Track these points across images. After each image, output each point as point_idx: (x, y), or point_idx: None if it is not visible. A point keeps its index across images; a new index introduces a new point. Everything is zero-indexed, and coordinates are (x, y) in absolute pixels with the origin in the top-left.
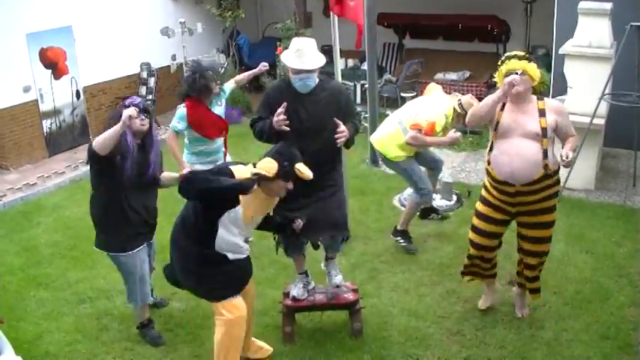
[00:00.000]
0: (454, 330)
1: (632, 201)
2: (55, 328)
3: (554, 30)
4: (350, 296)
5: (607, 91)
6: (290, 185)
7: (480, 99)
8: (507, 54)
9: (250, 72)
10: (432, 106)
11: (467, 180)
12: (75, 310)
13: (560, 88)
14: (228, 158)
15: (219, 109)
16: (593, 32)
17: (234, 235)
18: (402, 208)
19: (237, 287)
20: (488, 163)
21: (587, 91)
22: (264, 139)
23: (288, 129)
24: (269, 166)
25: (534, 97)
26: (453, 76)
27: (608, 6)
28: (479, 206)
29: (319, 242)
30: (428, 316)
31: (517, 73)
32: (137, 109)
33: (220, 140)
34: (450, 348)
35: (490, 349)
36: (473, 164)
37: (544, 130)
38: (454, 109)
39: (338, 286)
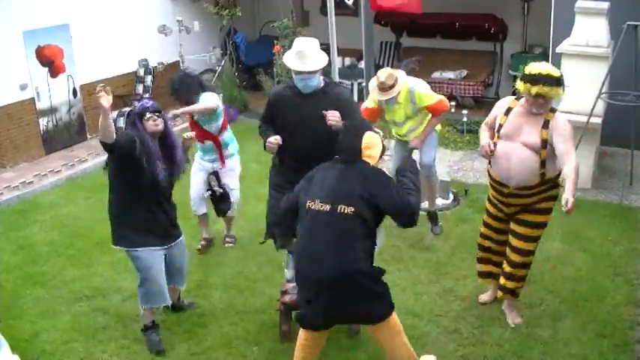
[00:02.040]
0: (451, 328)
1: (629, 200)
2: (51, 327)
3: (551, 29)
4: None
5: (604, 90)
6: None
7: (476, 98)
8: (540, 70)
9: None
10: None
11: (464, 178)
12: (71, 308)
13: None
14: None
15: (208, 127)
16: (591, 31)
17: None
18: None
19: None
20: (489, 162)
21: (584, 90)
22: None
23: (273, 152)
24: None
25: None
26: (450, 74)
27: (606, 5)
28: (486, 204)
29: None
30: (425, 315)
31: (545, 98)
32: (149, 112)
33: (208, 143)
34: (447, 346)
35: (487, 347)
36: (470, 163)
37: (544, 142)
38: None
39: None
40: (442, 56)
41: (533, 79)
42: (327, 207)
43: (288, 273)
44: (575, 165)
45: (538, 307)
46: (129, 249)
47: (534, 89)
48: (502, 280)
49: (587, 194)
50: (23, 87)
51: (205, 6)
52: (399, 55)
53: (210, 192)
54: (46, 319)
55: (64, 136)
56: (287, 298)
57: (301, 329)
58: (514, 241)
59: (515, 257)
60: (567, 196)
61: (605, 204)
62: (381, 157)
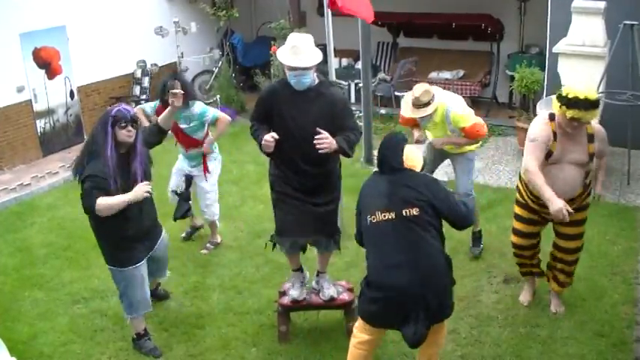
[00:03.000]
0: (449, 328)
1: (626, 199)
2: (49, 329)
3: (548, 29)
4: (345, 296)
5: (601, 90)
6: None
7: (473, 98)
8: (577, 94)
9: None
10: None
11: None
12: (69, 310)
13: (554, 86)
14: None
15: (185, 126)
16: (587, 31)
17: None
18: None
19: None
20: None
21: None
22: (255, 141)
23: (270, 151)
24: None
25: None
26: (447, 74)
27: (602, 5)
28: (517, 210)
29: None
30: None
31: (579, 121)
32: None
33: (192, 151)
34: (445, 347)
35: (485, 347)
36: None
37: (591, 155)
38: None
39: (333, 299)
40: (439, 56)
41: (571, 104)
42: (392, 215)
43: (295, 293)
44: (605, 158)
45: (536, 306)
46: (112, 267)
47: (570, 113)
48: (562, 278)
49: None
50: (20, 89)
51: (202, 7)
52: (395, 56)
53: (174, 192)
54: (44, 321)
55: (61, 137)
56: (285, 300)
57: (364, 327)
58: (564, 243)
59: (567, 257)
60: (599, 186)
61: (602, 203)
62: (422, 169)
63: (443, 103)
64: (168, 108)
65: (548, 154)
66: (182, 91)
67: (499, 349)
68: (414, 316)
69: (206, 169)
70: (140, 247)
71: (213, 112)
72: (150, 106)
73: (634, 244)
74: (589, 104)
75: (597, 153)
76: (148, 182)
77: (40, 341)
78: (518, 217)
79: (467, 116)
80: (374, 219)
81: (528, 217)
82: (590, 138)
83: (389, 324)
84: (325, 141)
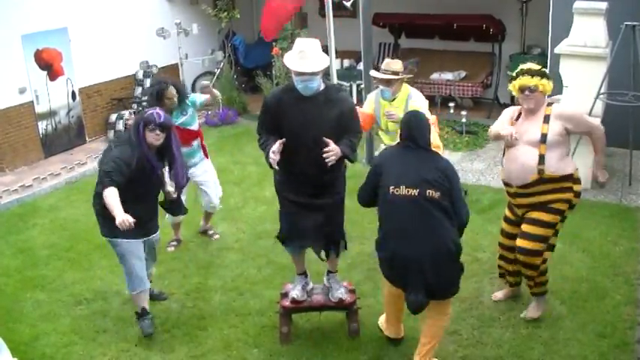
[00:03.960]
0: (451, 329)
1: (628, 200)
2: (51, 330)
3: (549, 29)
4: (347, 297)
5: (602, 91)
6: None
7: (475, 99)
8: (521, 67)
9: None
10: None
11: (463, 179)
12: (71, 311)
13: (556, 87)
14: (208, 162)
15: (183, 118)
16: (589, 32)
17: None
18: None
19: None
20: (502, 165)
21: (582, 91)
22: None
23: (275, 165)
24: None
25: (545, 103)
26: (448, 75)
27: (604, 5)
28: (505, 210)
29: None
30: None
31: (528, 89)
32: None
33: (190, 147)
34: (447, 347)
35: (487, 348)
36: (469, 164)
37: (543, 136)
38: (374, 77)
39: (342, 300)
40: (440, 57)
41: (515, 76)
42: (416, 192)
43: (295, 293)
44: (597, 135)
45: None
46: (110, 238)
47: (517, 83)
48: (529, 283)
49: (587, 194)
50: (22, 90)
51: (204, 8)
52: (397, 57)
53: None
54: (46, 323)
55: (63, 139)
56: (286, 301)
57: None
58: (519, 241)
59: (520, 257)
60: (596, 171)
61: (604, 204)
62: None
63: (406, 88)
64: None
65: None
66: (177, 95)
67: (501, 350)
68: (414, 285)
69: (206, 153)
70: (137, 226)
71: (199, 97)
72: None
73: (636, 245)
74: (533, 72)
75: (571, 132)
76: (131, 222)
77: (42, 342)
78: (503, 217)
79: (423, 108)
80: (397, 191)
81: (506, 214)
82: (546, 118)
83: (395, 283)
84: (332, 153)
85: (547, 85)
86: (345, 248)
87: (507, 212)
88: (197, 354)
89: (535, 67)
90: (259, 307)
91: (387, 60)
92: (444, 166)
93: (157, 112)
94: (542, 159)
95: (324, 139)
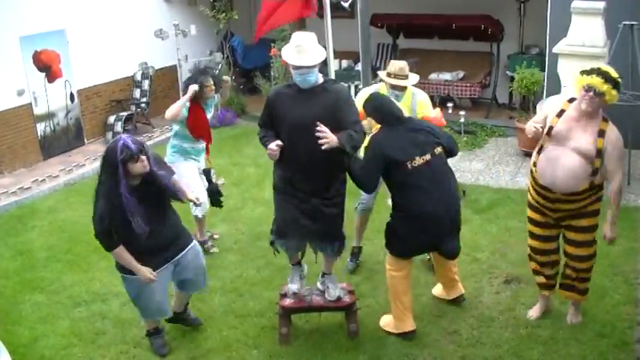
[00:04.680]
0: (450, 329)
1: (627, 199)
2: (50, 332)
3: (547, 29)
4: (347, 298)
5: None
6: None
7: (473, 99)
8: (601, 66)
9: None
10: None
11: (462, 179)
12: (70, 313)
13: (554, 87)
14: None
15: (210, 114)
16: (587, 31)
17: None
18: None
19: None
20: (534, 165)
21: None
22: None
23: (275, 159)
24: None
25: (600, 115)
26: (447, 76)
27: (601, 5)
28: (528, 212)
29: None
30: (424, 316)
31: (594, 91)
32: (133, 155)
33: (203, 143)
34: (446, 347)
35: (486, 348)
36: (467, 164)
37: (599, 151)
38: (381, 80)
39: (340, 299)
40: (439, 57)
41: (588, 72)
42: (429, 156)
43: (294, 287)
44: (618, 186)
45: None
46: (124, 274)
47: (586, 79)
48: (578, 285)
49: None
50: (20, 92)
51: (202, 9)
52: (395, 57)
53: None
54: (45, 325)
55: (61, 141)
56: (286, 302)
57: (399, 261)
58: (573, 250)
59: (578, 264)
60: (607, 228)
61: (603, 203)
62: None
63: (409, 88)
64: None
65: (550, 130)
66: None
67: (500, 350)
68: (449, 235)
69: (208, 153)
70: (150, 258)
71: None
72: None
73: (635, 245)
74: (607, 76)
75: (610, 164)
76: (153, 273)
77: (41, 344)
78: (529, 219)
79: (430, 106)
80: (415, 163)
81: (535, 218)
82: (601, 133)
83: (425, 248)
84: (325, 134)
85: (614, 96)
86: (340, 252)
87: (536, 215)
88: (197, 355)
89: (614, 72)
90: (259, 308)
91: (394, 62)
92: (423, 124)
93: (127, 139)
94: (595, 172)
95: (319, 123)
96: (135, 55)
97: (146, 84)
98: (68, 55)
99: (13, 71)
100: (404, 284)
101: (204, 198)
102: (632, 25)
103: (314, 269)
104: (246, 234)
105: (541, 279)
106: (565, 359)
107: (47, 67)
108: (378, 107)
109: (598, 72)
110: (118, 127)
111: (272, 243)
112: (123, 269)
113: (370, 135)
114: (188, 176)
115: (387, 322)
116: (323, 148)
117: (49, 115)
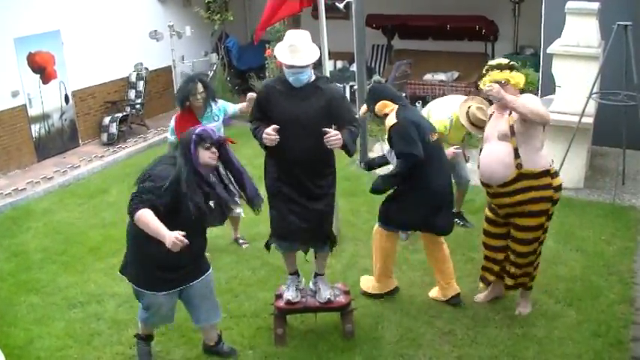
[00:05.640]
0: (446, 330)
1: (622, 199)
2: (45, 334)
3: (542, 30)
4: (342, 299)
5: (595, 90)
6: None
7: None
8: (490, 63)
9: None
10: (444, 106)
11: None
12: (66, 315)
13: (549, 87)
14: None
15: (215, 124)
16: (581, 32)
17: None
18: None
19: None
20: (478, 167)
21: (575, 91)
22: (257, 140)
23: (275, 143)
24: None
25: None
26: (441, 76)
27: (596, 6)
28: (485, 210)
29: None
30: (419, 316)
31: (500, 83)
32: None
33: None
34: (442, 348)
35: (482, 348)
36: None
37: (511, 127)
38: (457, 118)
39: (330, 301)
40: (434, 58)
41: (485, 72)
42: (435, 134)
43: (290, 295)
44: (534, 105)
45: (532, 306)
46: (135, 287)
47: (486, 79)
48: (509, 282)
49: (580, 194)
50: (15, 94)
51: (197, 10)
52: (390, 58)
53: None
54: (41, 326)
55: (56, 142)
56: (281, 302)
57: (394, 233)
58: (512, 244)
59: (515, 259)
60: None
61: (598, 203)
62: None
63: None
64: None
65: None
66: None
67: (495, 350)
68: (448, 208)
69: None
70: (163, 276)
71: (231, 107)
72: (170, 130)
73: (629, 244)
74: (502, 66)
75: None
76: (184, 240)
77: (36, 346)
78: (485, 218)
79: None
80: (431, 137)
81: (490, 216)
82: (511, 112)
83: (423, 222)
84: (334, 137)
85: (518, 78)
86: (331, 250)
87: (489, 213)
88: (192, 356)
89: (504, 61)
90: (254, 308)
91: (477, 116)
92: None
93: (212, 129)
94: (517, 153)
95: (324, 129)
96: (129, 57)
97: (141, 85)
98: (63, 56)
99: (7, 73)
100: (394, 250)
101: None
102: (626, 25)
103: (308, 268)
104: (241, 235)
105: (484, 273)
106: (560, 359)
107: (42, 68)
108: (385, 89)
109: (492, 67)
110: (113, 128)
111: (267, 246)
112: (138, 283)
113: (390, 118)
114: None
115: (368, 285)
116: (331, 146)
117: (44, 117)
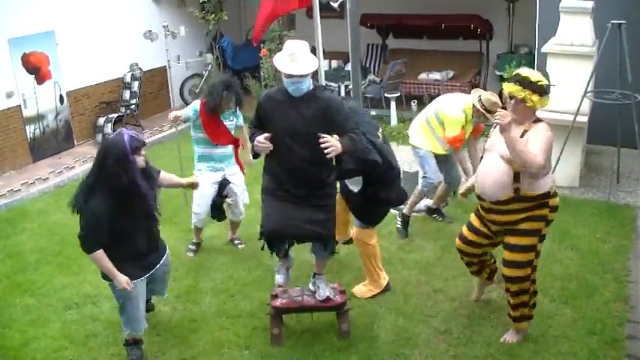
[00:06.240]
0: (441, 329)
1: (616, 197)
2: (41, 335)
3: (536, 29)
4: (337, 298)
5: (589, 89)
6: None
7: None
8: (519, 71)
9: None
10: (454, 101)
11: None
12: (61, 316)
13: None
14: (240, 176)
15: (229, 123)
16: (575, 30)
17: None
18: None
19: None
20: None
21: (569, 89)
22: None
23: (267, 152)
24: None
25: (533, 119)
26: (436, 75)
27: (590, 4)
28: (471, 215)
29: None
30: (415, 316)
31: (516, 99)
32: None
33: (226, 149)
34: (438, 347)
35: (477, 347)
36: (457, 163)
37: None
38: (473, 105)
39: (329, 299)
40: (428, 57)
41: (509, 79)
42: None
43: (280, 278)
44: (532, 157)
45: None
46: (110, 282)
47: (506, 87)
48: (511, 312)
49: (575, 192)
50: (9, 95)
51: (191, 10)
52: (385, 57)
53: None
54: (36, 328)
55: (51, 143)
56: (277, 302)
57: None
58: (505, 270)
59: (510, 286)
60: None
61: (592, 202)
62: None
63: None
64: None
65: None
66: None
67: (491, 349)
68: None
69: (242, 167)
70: (131, 267)
71: (241, 118)
72: (192, 110)
73: (624, 242)
74: (526, 82)
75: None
76: (129, 282)
77: (32, 347)
78: (467, 223)
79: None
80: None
81: (476, 224)
82: (523, 134)
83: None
84: (329, 143)
85: (537, 101)
86: (333, 252)
87: (475, 221)
88: (188, 356)
89: (534, 77)
90: (250, 308)
91: (491, 100)
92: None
93: (137, 133)
94: (517, 177)
95: (320, 134)
96: (124, 57)
97: (136, 85)
98: (57, 56)
99: (1, 73)
100: (378, 248)
101: (199, 210)
102: (621, 24)
103: (308, 268)
104: (237, 235)
105: (474, 268)
106: (556, 357)
107: (36, 69)
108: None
109: (516, 79)
110: (108, 128)
111: (263, 248)
112: (106, 277)
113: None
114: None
115: (362, 290)
116: (328, 156)
117: (39, 117)
